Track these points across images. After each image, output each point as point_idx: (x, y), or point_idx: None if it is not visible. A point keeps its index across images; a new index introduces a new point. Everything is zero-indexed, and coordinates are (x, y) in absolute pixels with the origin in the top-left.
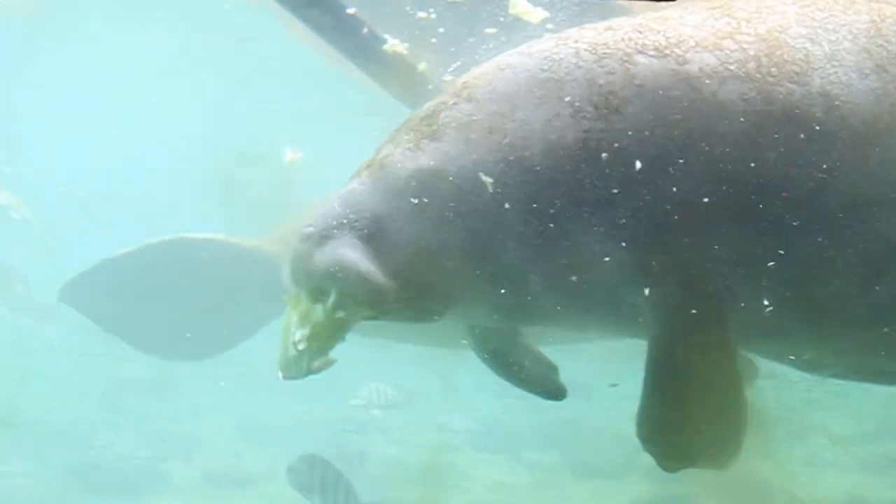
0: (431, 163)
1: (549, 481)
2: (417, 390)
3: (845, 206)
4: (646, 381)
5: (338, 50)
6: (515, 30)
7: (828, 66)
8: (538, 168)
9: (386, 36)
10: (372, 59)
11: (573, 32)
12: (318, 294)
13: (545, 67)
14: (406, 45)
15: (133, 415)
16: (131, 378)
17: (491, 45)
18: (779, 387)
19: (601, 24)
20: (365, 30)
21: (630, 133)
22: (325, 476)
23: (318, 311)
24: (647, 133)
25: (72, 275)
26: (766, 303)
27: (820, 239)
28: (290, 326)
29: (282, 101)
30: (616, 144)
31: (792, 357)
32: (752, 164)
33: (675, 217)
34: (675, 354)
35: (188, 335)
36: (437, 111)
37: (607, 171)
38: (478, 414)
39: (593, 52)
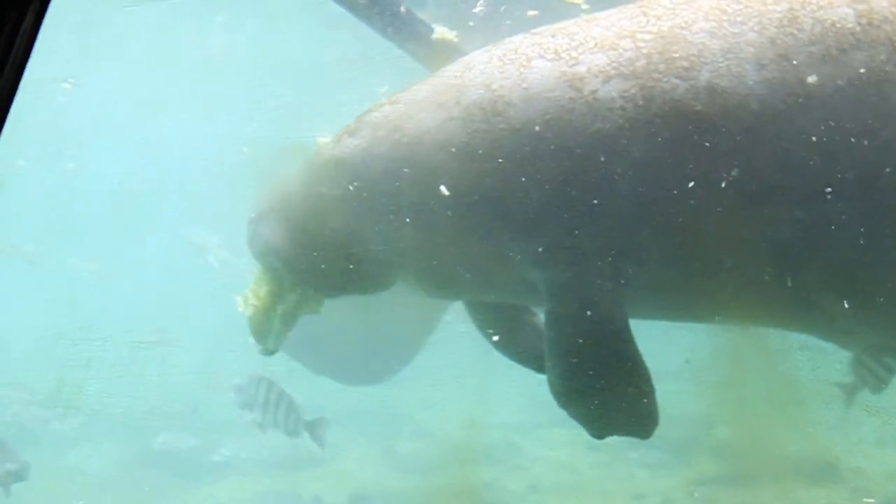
0: (341, 155)
1: (611, 461)
2: (471, 367)
3: (734, 193)
4: (545, 354)
5: (385, 37)
6: (557, 11)
7: (721, 59)
8: (427, 164)
9: (432, 24)
10: (420, 45)
11: (507, 39)
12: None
13: (458, 74)
14: (455, 32)
15: (191, 400)
16: (181, 363)
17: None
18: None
19: (535, 30)
20: (402, 9)
21: (510, 134)
22: (268, 393)
23: (262, 291)
24: (524, 133)
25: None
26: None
27: (705, 226)
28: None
29: (324, 92)
30: (497, 144)
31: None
32: (632, 157)
33: (556, 208)
34: (566, 331)
35: (371, 353)
36: (368, 111)
37: (491, 168)
38: (535, 394)
39: (502, 58)
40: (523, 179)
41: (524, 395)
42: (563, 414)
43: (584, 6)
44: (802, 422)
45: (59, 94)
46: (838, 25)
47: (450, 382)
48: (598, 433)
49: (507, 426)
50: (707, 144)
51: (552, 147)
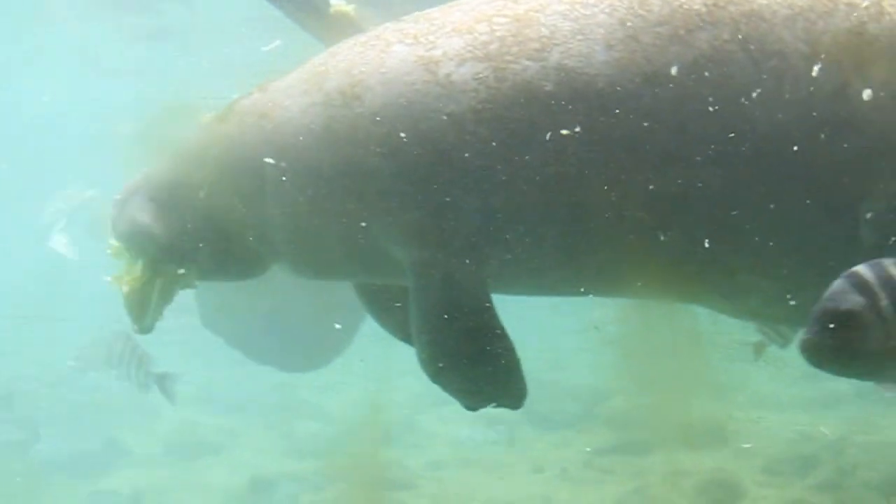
0: (211, 141)
1: (510, 435)
2: (365, 349)
3: (584, 175)
4: (412, 331)
5: (275, 6)
6: None
7: (572, 40)
8: (290, 149)
9: None
10: (314, 18)
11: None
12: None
13: (322, 61)
14: (353, 6)
15: (83, 387)
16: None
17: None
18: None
19: (403, 17)
20: None
21: (368, 117)
22: (113, 344)
23: (138, 269)
24: (379, 117)
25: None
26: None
27: (555, 208)
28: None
29: (205, 51)
30: (355, 127)
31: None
32: (483, 137)
33: (412, 189)
34: (428, 307)
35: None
36: (238, 100)
37: (350, 151)
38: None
39: (364, 44)
40: (381, 162)
41: (420, 373)
42: None
43: None
44: (694, 387)
45: None
46: (685, 7)
47: (345, 364)
48: (470, 405)
49: (404, 405)
50: (556, 123)
51: (408, 129)
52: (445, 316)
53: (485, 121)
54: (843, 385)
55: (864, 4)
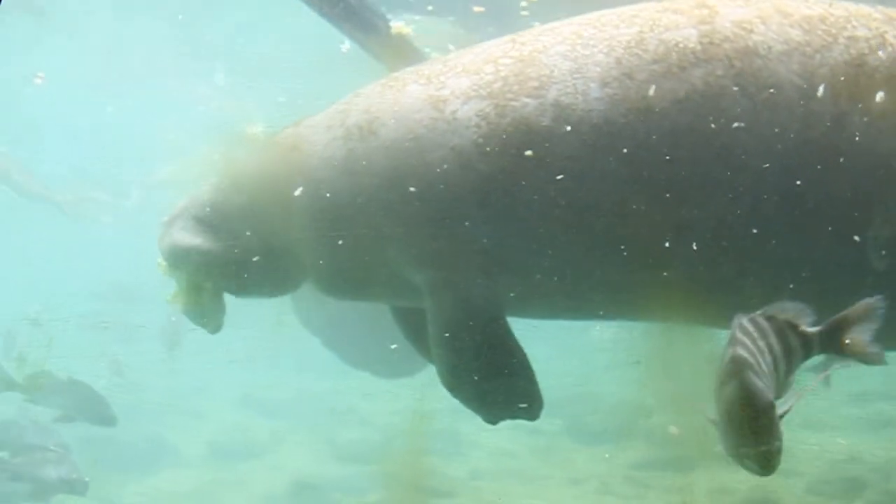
0: (249, 171)
1: (551, 447)
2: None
3: (581, 205)
4: (431, 349)
5: (340, 30)
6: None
7: (569, 78)
8: (315, 179)
9: (390, 17)
10: (376, 40)
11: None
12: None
13: (347, 100)
14: (412, 27)
15: (134, 389)
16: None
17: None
18: None
19: (428, 59)
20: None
21: (381, 151)
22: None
23: (184, 284)
24: (393, 150)
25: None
26: (539, 278)
27: (555, 235)
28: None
29: (284, 82)
30: (371, 160)
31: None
32: (483, 170)
33: (423, 217)
34: (443, 326)
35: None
36: (278, 132)
37: (366, 182)
38: None
39: (384, 85)
40: (393, 192)
41: None
42: None
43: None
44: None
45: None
46: (681, 45)
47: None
48: (489, 419)
49: (446, 413)
50: (553, 156)
51: (416, 162)
52: (459, 333)
53: (486, 154)
54: (892, 407)
55: (866, 37)
